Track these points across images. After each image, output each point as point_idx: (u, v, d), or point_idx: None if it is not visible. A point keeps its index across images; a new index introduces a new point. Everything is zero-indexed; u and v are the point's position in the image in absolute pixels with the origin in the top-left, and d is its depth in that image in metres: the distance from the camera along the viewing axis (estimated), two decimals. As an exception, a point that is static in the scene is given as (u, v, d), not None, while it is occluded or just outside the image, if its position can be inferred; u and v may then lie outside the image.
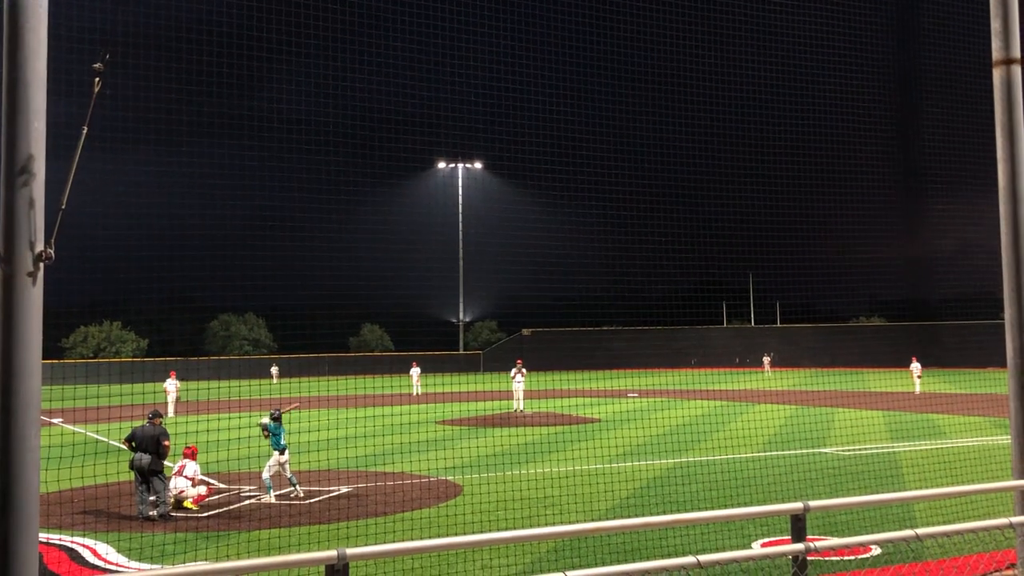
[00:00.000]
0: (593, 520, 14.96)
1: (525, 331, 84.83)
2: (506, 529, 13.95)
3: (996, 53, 7.22)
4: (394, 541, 12.81)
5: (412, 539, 12.94)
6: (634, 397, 45.74)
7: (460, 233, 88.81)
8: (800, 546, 4.47)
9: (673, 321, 77.72)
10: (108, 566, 12.41)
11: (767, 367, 68.31)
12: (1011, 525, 5.53)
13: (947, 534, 5.04)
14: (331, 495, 17.51)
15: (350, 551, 4.42)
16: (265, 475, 17.39)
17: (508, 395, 42.83)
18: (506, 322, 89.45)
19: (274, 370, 69.11)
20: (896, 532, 5.27)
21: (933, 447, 24.04)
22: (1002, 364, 7.70)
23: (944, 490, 6.88)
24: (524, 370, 38.46)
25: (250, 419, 26.80)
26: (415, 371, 51.04)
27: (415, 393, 48.59)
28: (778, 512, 5.00)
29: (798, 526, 4.85)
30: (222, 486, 18.80)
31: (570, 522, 14.58)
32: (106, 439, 27.11)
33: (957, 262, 66.84)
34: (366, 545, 4.80)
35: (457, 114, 64.22)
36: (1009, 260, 7.43)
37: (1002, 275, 7.61)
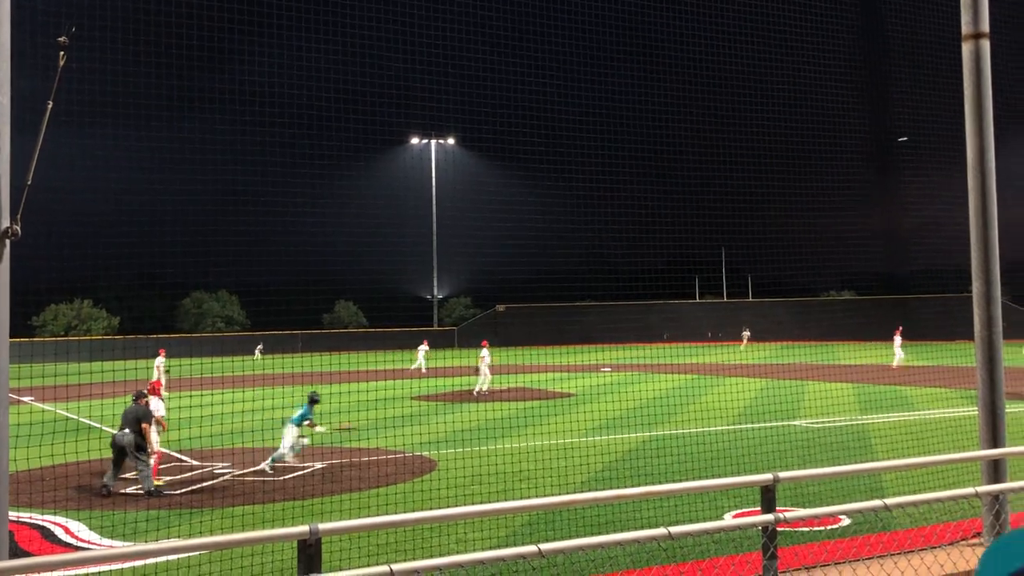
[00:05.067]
0: (567, 494, 15.05)
1: (499, 307, 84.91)
2: (481, 503, 14.01)
3: (965, 27, 7.24)
4: (367, 516, 12.84)
5: (386, 514, 12.98)
6: (608, 371, 45.94)
7: (434, 209, 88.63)
8: (769, 517, 4.51)
9: (646, 296, 78.06)
10: (80, 543, 12.36)
11: (745, 341, 68.67)
12: (977, 494, 5.61)
13: (915, 503, 5.11)
14: (305, 471, 17.50)
15: (322, 526, 4.42)
16: (286, 449, 17.58)
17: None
18: (480, 298, 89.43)
19: (259, 348, 68.60)
20: (864, 502, 5.33)
21: (902, 419, 24.33)
22: (969, 336, 7.79)
23: (912, 460, 6.97)
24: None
25: (222, 396, 26.68)
26: (423, 348, 50.14)
27: (423, 369, 47.94)
28: (748, 483, 5.04)
29: (768, 497, 4.90)
30: (194, 462, 18.74)
31: (545, 495, 14.67)
32: (76, 417, 26.94)
33: (926, 235, 67.45)
34: (339, 520, 4.83)
35: (430, 88, 63.89)
36: (977, 234, 7.49)
37: (970, 249, 7.68)
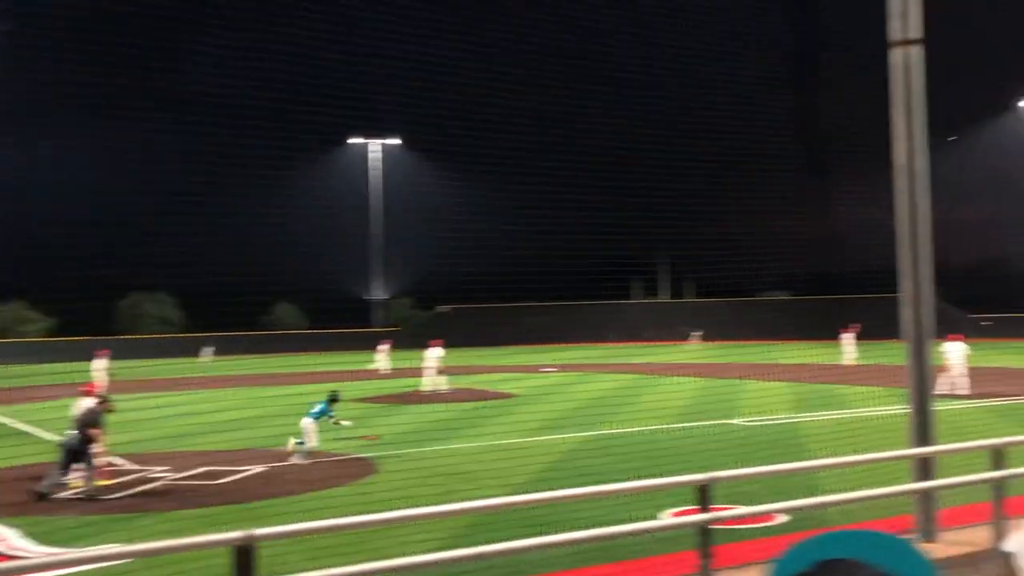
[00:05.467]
0: (508, 495, 15.08)
1: (443, 308, 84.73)
2: (422, 506, 13.99)
3: (894, 34, 7.39)
4: (306, 521, 12.75)
5: (325, 518, 12.91)
6: (550, 371, 46.10)
7: (376, 209, 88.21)
8: (705, 516, 4.54)
9: (589, 296, 78.46)
10: (13, 552, 12.10)
11: (694, 341, 69.07)
12: (908, 492, 5.74)
13: (849, 501, 5.19)
14: (243, 474, 17.33)
15: (258, 532, 4.38)
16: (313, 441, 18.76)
17: (407, 373, 42.94)
18: (424, 299, 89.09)
19: (210, 349, 67.19)
20: (799, 500, 5.42)
21: (835, 417, 24.76)
22: (886, 335, 7.95)
23: (845, 459, 7.10)
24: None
25: (157, 400, 26.32)
26: (384, 347, 48.70)
27: (384, 370, 46.79)
28: (685, 483, 5.06)
29: (704, 497, 4.94)
30: (132, 466, 18.45)
31: (486, 497, 14.68)
32: (10, 421, 26.37)
33: (857, 237, 68.75)
34: (276, 526, 4.78)
35: (373, 89, 63.65)
36: (905, 237, 7.66)
37: (897, 250, 7.84)
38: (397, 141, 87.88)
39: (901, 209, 7.75)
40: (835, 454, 16.96)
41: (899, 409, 24.64)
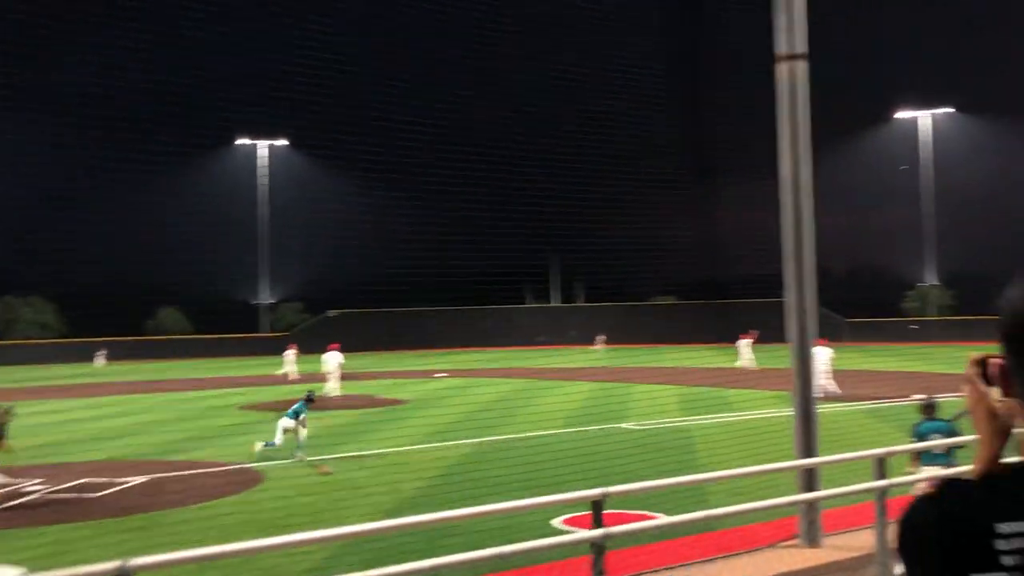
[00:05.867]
0: (399, 505, 14.92)
1: (332, 312, 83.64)
2: (309, 516, 13.73)
3: (780, 48, 7.54)
4: (191, 534, 12.37)
5: (211, 530, 12.55)
6: (442, 377, 45.95)
7: (263, 211, 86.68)
8: (598, 532, 4.52)
9: (481, 300, 78.48)
10: None
11: (598, 345, 69.52)
12: (794, 503, 5.84)
13: (738, 513, 5.25)
14: (124, 486, 16.73)
15: (134, 561, 4.19)
16: (277, 439, 19.22)
17: (313, 378, 42.25)
18: (312, 303, 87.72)
19: (101, 354, 64.76)
20: (691, 514, 5.45)
21: (723, 420, 25.28)
22: (779, 340, 8.12)
23: (734, 472, 7.20)
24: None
25: (32, 407, 25.26)
26: (290, 352, 47.47)
27: (293, 375, 45.62)
28: (579, 499, 5.01)
29: (597, 513, 4.90)
30: (7, 480, 17.62)
31: (379, 507, 14.49)
32: None
33: (742, 243, 70.59)
34: (153, 555, 4.54)
35: (261, 89, 62.51)
36: (791, 249, 7.81)
37: (782, 260, 8.00)
38: (285, 142, 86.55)
39: (786, 220, 7.90)
40: (725, 457, 17.31)
41: (786, 412, 25.32)
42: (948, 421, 11.72)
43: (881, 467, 5.80)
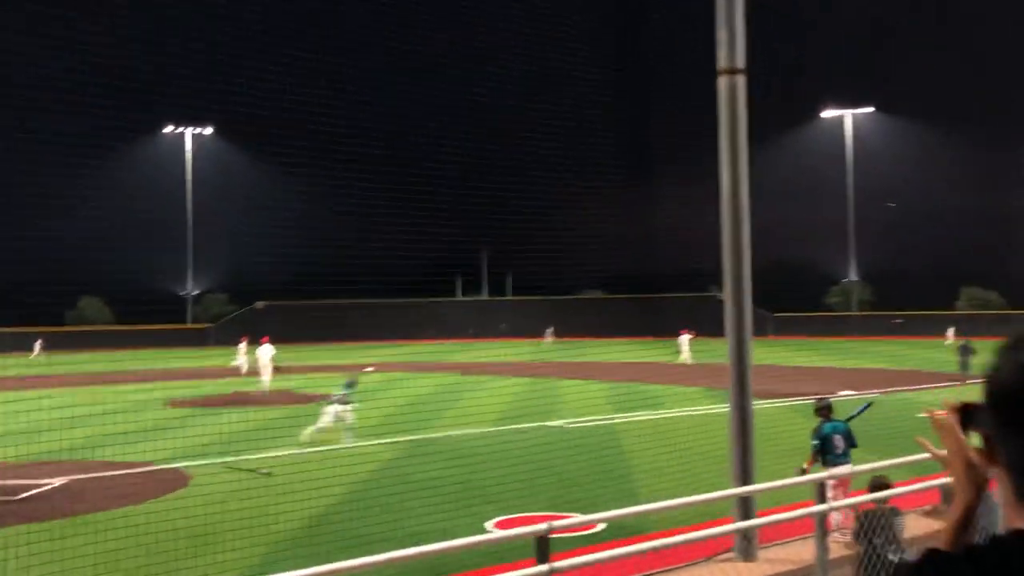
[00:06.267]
0: (329, 505, 14.73)
1: (258, 304, 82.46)
2: (238, 520, 13.47)
3: (721, 62, 7.58)
4: (114, 540, 12.04)
5: (136, 535, 12.23)
6: (371, 371, 45.59)
7: (188, 201, 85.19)
8: (543, 568, 4.46)
9: (410, 293, 78.09)
10: None
11: (548, 337, 69.54)
12: (735, 530, 5.84)
13: (675, 545, 5.22)
14: (43, 489, 16.25)
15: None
16: (323, 423, 20.73)
17: (239, 372, 41.74)
18: (239, 294, 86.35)
19: (38, 344, 62.99)
20: (634, 546, 5.41)
21: (652, 417, 25.47)
22: (712, 334, 8.13)
23: (674, 502, 7.18)
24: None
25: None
26: (242, 345, 46.60)
27: (245, 368, 44.76)
28: (524, 536, 4.93)
29: (542, 548, 4.81)
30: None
31: (306, 508, 14.28)
32: None
33: (671, 240, 71.41)
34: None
35: (187, 77, 61.32)
36: (731, 263, 7.85)
37: (722, 266, 8.07)
38: (210, 130, 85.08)
39: (726, 227, 7.94)
40: (656, 457, 17.43)
41: (720, 408, 25.58)
42: (845, 422, 12.35)
43: (822, 491, 5.83)
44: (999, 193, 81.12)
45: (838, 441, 11.88)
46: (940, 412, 2.03)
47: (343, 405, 21.92)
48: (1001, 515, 1.80)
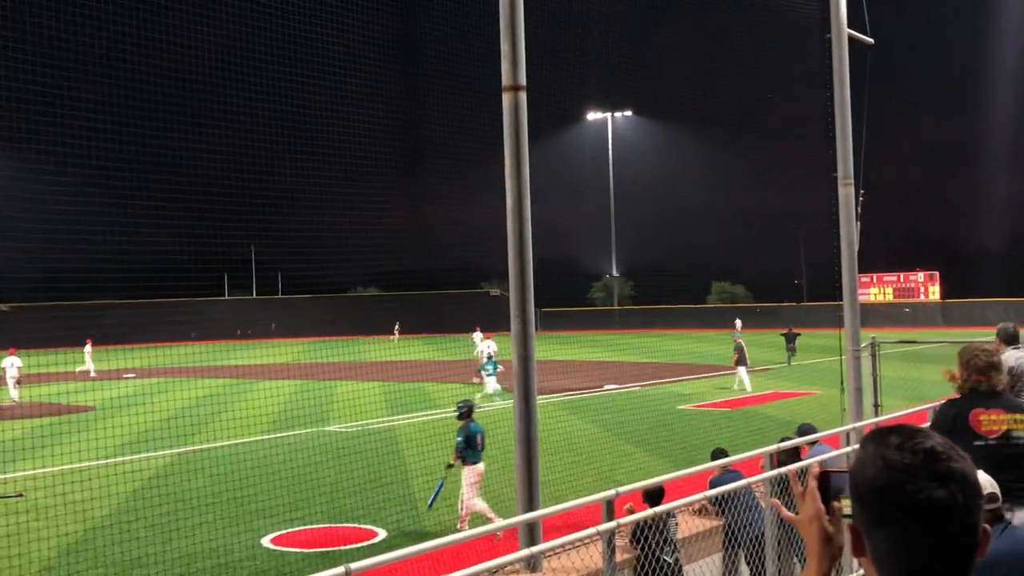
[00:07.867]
0: (90, 529, 13.85)
1: (3, 306, 76.67)
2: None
3: (505, 78, 7.64)
4: None
5: None
6: (131, 378, 43.41)
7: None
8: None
9: (172, 293, 74.79)
10: None
11: (396, 335, 68.02)
12: (515, 560, 5.88)
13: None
14: None
15: None
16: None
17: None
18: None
19: None
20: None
21: (429, 418, 25.55)
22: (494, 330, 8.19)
23: (469, 533, 7.15)
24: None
25: None
26: (87, 348, 42.97)
27: (93, 373, 41.08)
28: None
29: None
30: None
31: (65, 534, 13.35)
32: None
33: (447, 237, 72.03)
34: None
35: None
36: (515, 282, 7.95)
37: (509, 270, 8.19)
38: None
39: (513, 242, 8.04)
40: (433, 460, 17.44)
41: (495, 406, 25.90)
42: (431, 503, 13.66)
43: (610, 510, 5.98)
44: (742, 192, 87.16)
45: (480, 440, 13.72)
46: (800, 487, 2.06)
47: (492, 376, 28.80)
48: None
